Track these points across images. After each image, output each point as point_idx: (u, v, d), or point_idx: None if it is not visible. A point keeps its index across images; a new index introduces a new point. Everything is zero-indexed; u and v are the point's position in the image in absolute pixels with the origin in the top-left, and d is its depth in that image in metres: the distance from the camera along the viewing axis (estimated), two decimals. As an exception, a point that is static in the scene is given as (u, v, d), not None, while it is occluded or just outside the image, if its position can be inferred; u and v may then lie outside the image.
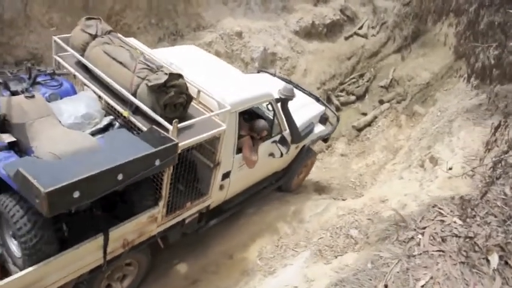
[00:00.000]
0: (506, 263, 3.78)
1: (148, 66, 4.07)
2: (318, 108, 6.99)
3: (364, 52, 13.15)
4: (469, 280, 3.66)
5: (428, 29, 12.73)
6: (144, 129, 3.95)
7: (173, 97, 3.93)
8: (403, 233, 4.43)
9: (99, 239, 3.61)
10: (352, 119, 11.29)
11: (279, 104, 5.60)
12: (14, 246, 3.47)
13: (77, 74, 4.57)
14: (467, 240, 4.02)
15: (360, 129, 10.93)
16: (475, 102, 8.08)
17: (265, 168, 6.06)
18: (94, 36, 4.52)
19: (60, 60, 4.80)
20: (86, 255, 3.62)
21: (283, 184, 6.76)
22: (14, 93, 3.85)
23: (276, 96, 5.59)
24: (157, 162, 3.44)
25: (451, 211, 4.49)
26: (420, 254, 4.00)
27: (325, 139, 7.42)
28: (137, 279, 4.78)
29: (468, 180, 5.22)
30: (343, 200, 7.35)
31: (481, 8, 7.37)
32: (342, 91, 12.30)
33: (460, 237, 4.10)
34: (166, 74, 3.93)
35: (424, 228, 4.34)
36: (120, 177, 3.18)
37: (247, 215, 6.25)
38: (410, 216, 4.75)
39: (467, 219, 4.28)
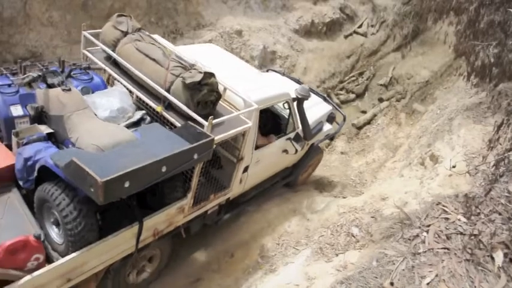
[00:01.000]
0: (511, 260, 3.78)
1: (181, 64, 4.24)
2: (326, 108, 7.17)
3: (363, 50, 13.16)
4: (474, 277, 3.65)
5: (428, 28, 12.73)
6: (178, 124, 4.16)
7: (206, 95, 4.11)
8: (407, 230, 4.43)
9: (134, 228, 3.77)
10: (352, 117, 11.28)
11: (295, 103, 5.79)
12: (54, 233, 3.57)
13: (107, 69, 4.72)
14: (472, 237, 4.02)
15: (359, 127, 10.93)
16: (475, 101, 8.09)
17: (278, 164, 6.34)
18: (125, 33, 4.65)
19: (89, 54, 4.95)
20: (121, 243, 3.78)
21: (292, 179, 6.97)
22: (50, 86, 3.97)
23: (293, 95, 5.78)
24: (195, 156, 3.61)
25: (456, 209, 4.49)
26: (425, 251, 4.00)
27: (331, 138, 7.65)
28: (160, 266, 4.95)
29: (469, 178, 5.23)
30: (344, 197, 7.36)
31: (481, 7, 7.38)
32: (341, 89, 12.31)
33: (464, 234, 4.10)
34: (200, 72, 4.09)
35: (429, 225, 4.34)
36: (163, 169, 3.33)
37: (248, 213, 6.24)
38: (414, 214, 4.75)
39: (472, 217, 4.28)
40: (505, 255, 3.81)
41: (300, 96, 5.82)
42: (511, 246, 3.86)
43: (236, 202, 5.78)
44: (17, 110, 3.93)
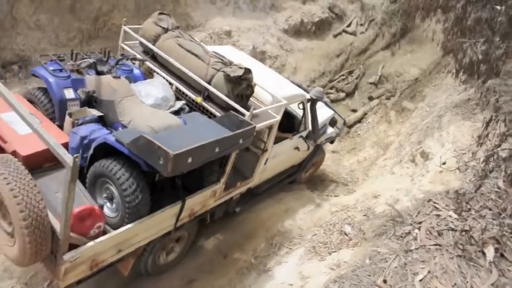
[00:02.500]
0: (502, 255, 3.81)
1: (221, 60, 4.73)
2: (329, 112, 7.58)
3: (352, 49, 13.21)
4: (466, 273, 3.68)
5: (416, 26, 12.83)
6: (217, 114, 4.59)
7: (244, 89, 4.59)
8: (399, 228, 4.46)
9: (177, 206, 4.06)
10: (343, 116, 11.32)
11: (308, 104, 6.14)
12: (106, 208, 3.79)
13: (147, 61, 5.09)
14: (463, 233, 4.05)
15: (350, 126, 10.98)
16: (463, 97, 8.16)
17: (289, 160, 6.71)
18: (166, 30, 5.05)
19: (128, 48, 5.33)
20: (164, 220, 4.07)
21: (297, 176, 7.28)
22: (99, 73, 4.32)
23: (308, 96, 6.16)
24: (240, 141, 4.03)
25: (446, 205, 4.53)
26: (417, 248, 4.03)
27: (331, 140, 7.94)
28: (186, 248, 5.24)
29: (459, 174, 5.27)
30: (336, 196, 7.40)
31: (468, 4, 7.43)
32: (331, 88, 12.35)
33: (456, 230, 4.13)
34: (241, 68, 4.55)
35: (420, 222, 4.37)
36: (217, 150, 3.72)
37: (241, 214, 6.22)
38: (406, 211, 4.78)
39: (463, 213, 4.31)
40: (496, 250, 3.85)
41: (314, 97, 6.13)
42: (502, 241, 3.90)
43: (252, 193, 6.07)
44: (69, 93, 4.24)
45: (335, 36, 13.23)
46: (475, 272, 3.69)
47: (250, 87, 4.71)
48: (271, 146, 5.40)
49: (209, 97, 4.71)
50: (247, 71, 4.58)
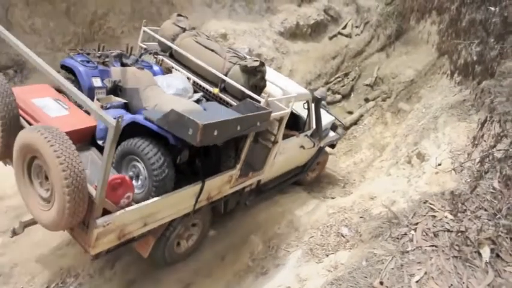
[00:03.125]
0: (498, 255, 3.82)
1: (237, 54, 5.17)
2: (329, 117, 7.85)
3: (348, 51, 13.24)
4: (462, 274, 3.69)
5: (411, 27, 12.85)
6: (233, 103, 4.98)
7: (258, 80, 4.97)
8: (395, 229, 4.46)
9: (197, 186, 4.32)
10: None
11: (313, 104, 6.47)
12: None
13: (165, 58, 5.55)
14: (459, 234, 4.06)
15: (346, 128, 11.00)
16: (459, 98, 8.19)
17: (295, 159, 6.94)
18: (184, 29, 5.48)
19: (146, 47, 5.83)
20: (186, 199, 4.34)
21: (300, 177, 7.55)
22: (124, 65, 4.81)
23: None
24: (258, 123, 4.42)
25: (442, 206, 4.54)
26: (413, 249, 4.03)
27: (332, 145, 8.27)
28: (201, 237, 5.44)
29: (455, 175, 5.29)
30: (333, 198, 7.40)
31: (463, 6, 7.47)
32: (327, 90, 12.36)
33: (451, 231, 4.14)
34: (256, 61, 4.95)
35: (416, 224, 4.37)
36: (238, 127, 4.10)
37: (237, 217, 6.23)
38: (402, 213, 4.79)
39: (458, 214, 4.32)
40: (492, 250, 3.85)
41: (318, 97, 6.47)
42: (497, 241, 3.90)
43: (260, 190, 6.29)
44: (97, 82, 4.65)
45: (330, 38, 13.26)
46: (471, 273, 3.70)
47: (264, 80, 5.10)
48: (281, 138, 5.62)
49: (225, 89, 5.10)
50: (262, 64, 5.00)
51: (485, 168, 4.64)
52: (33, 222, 4.26)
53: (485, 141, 4.76)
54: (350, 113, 11.70)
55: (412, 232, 4.27)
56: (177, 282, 5.17)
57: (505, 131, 4.58)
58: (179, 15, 5.74)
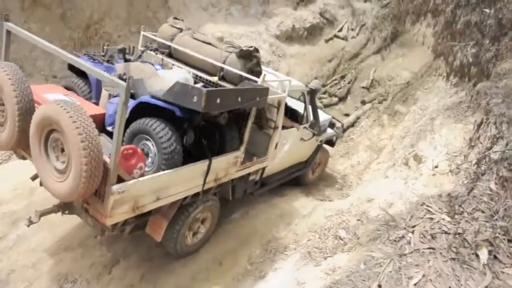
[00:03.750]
0: (496, 257, 3.82)
1: (232, 45, 5.49)
2: (327, 115, 8.16)
3: (344, 54, 13.28)
4: (460, 276, 3.69)
5: (406, 30, 12.92)
6: None
7: (254, 65, 5.25)
8: (393, 232, 4.46)
9: (205, 164, 4.57)
10: (336, 121, 11.36)
11: (308, 96, 6.76)
12: None
13: (165, 58, 5.90)
14: (457, 236, 4.05)
15: (343, 130, 11.00)
16: (455, 100, 8.22)
17: (296, 153, 7.17)
18: (181, 30, 5.84)
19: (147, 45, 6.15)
20: (194, 176, 4.57)
21: (302, 178, 7.80)
22: (127, 60, 5.26)
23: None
24: (257, 98, 4.64)
25: (439, 208, 4.54)
26: (411, 252, 4.03)
27: (332, 144, 8.50)
28: (210, 230, 5.68)
29: (452, 177, 5.30)
30: (330, 201, 7.40)
31: (458, 8, 7.50)
32: (324, 93, 12.40)
33: (449, 233, 4.13)
34: (251, 47, 5.26)
35: (414, 226, 4.37)
36: (239, 99, 4.34)
37: (235, 220, 6.23)
38: (399, 215, 4.79)
39: (456, 216, 4.32)
40: (490, 252, 3.85)
41: (313, 88, 6.75)
42: (495, 243, 3.91)
43: (265, 183, 6.56)
44: None
45: (327, 41, 13.31)
46: (469, 275, 3.70)
47: (259, 66, 5.36)
48: (281, 124, 5.87)
49: (223, 77, 5.38)
50: (256, 49, 5.30)
51: (482, 169, 4.65)
52: (48, 212, 4.37)
53: (481, 142, 4.77)
54: (347, 115, 11.72)
55: (410, 235, 4.27)
56: (175, 287, 5.16)
57: (501, 133, 4.60)
58: (175, 18, 6.09)
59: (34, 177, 4.89)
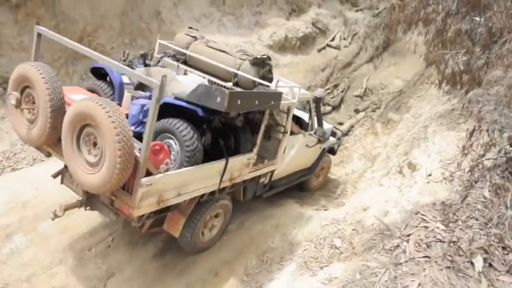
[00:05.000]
0: (491, 265, 3.82)
1: (246, 53, 5.75)
2: (328, 125, 8.46)
3: (337, 63, 13.35)
4: (456, 284, 3.69)
5: (398, 39, 13.04)
6: None
7: (267, 71, 5.46)
8: (388, 241, 4.46)
9: (222, 163, 4.79)
10: (329, 130, 11.39)
11: (313, 104, 7.09)
12: None
13: (181, 65, 6.15)
14: (451, 244, 4.06)
15: (344, 134, 11.06)
16: (447, 107, 8.29)
17: (302, 158, 7.38)
18: (195, 38, 6.09)
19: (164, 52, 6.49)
20: (212, 175, 4.80)
21: (305, 184, 8.09)
22: (146, 66, 5.56)
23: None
24: (272, 102, 4.97)
25: (434, 217, 4.55)
26: (407, 261, 4.02)
27: (333, 152, 8.75)
28: (223, 226, 5.91)
29: (446, 185, 5.32)
30: (326, 210, 7.39)
31: (448, 17, 7.60)
32: (318, 100, 12.42)
33: (444, 242, 4.14)
34: (264, 55, 5.54)
35: (409, 235, 4.38)
36: (256, 102, 4.62)
37: (231, 231, 6.20)
38: (394, 224, 4.80)
39: (450, 224, 4.33)
40: (485, 260, 3.86)
41: (318, 97, 7.10)
42: (490, 251, 3.92)
43: (273, 186, 6.79)
44: (126, 79, 5.26)
45: (319, 50, 13.38)
46: (464, 283, 3.70)
47: (271, 73, 5.56)
48: (289, 129, 6.14)
49: (237, 83, 5.56)
50: (269, 57, 5.56)
51: (475, 177, 4.69)
52: (72, 206, 4.64)
53: (474, 150, 4.80)
54: (340, 124, 11.74)
55: (405, 243, 4.27)
56: (171, 299, 5.13)
57: (494, 140, 4.64)
58: (190, 27, 6.45)
59: (55, 175, 5.06)
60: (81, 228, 5.67)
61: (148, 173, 3.89)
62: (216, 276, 5.49)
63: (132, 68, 5.39)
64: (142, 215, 4.22)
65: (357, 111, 12.20)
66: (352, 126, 11.51)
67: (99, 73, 5.53)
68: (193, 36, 6.14)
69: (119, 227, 5.76)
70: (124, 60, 5.65)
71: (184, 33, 6.25)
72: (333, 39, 13.75)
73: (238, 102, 4.28)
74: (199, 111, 4.41)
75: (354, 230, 5.48)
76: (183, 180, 4.38)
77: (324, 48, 13.43)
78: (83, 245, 5.45)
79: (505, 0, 6.79)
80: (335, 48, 13.60)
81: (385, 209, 5.74)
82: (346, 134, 11.15)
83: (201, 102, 4.34)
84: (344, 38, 13.95)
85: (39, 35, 4.61)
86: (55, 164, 6.65)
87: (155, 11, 10.13)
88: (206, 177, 4.73)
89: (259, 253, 5.83)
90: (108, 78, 5.44)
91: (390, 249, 4.31)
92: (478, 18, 7.18)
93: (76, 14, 8.43)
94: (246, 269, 5.58)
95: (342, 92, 12.77)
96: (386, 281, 3.86)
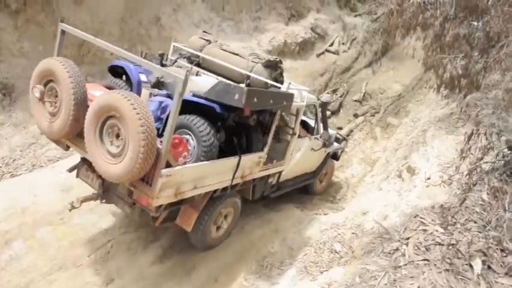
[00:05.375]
0: (489, 267, 3.83)
1: (258, 56, 5.85)
2: (332, 131, 8.51)
3: (336, 68, 13.38)
4: (455, 287, 3.69)
5: (396, 43, 13.09)
6: None
7: (278, 74, 5.58)
8: (387, 244, 4.47)
9: (235, 160, 4.94)
10: (329, 134, 11.40)
11: (319, 109, 7.26)
12: None
13: (194, 67, 6.25)
14: (450, 247, 4.07)
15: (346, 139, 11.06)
16: (446, 111, 8.30)
17: (307, 161, 7.52)
18: (209, 42, 6.25)
19: (180, 60, 6.60)
20: (225, 171, 4.93)
21: (309, 187, 8.20)
22: (163, 65, 5.78)
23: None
24: (284, 102, 5.15)
25: (433, 220, 4.56)
26: (406, 264, 4.03)
27: (337, 158, 8.94)
28: (232, 225, 6.03)
29: (445, 188, 5.33)
30: (325, 214, 7.38)
31: (446, 21, 7.63)
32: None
33: (443, 245, 4.15)
34: (276, 58, 5.64)
35: (408, 238, 4.39)
36: (271, 101, 4.83)
37: (230, 236, 6.18)
38: (393, 228, 4.80)
39: (449, 227, 4.34)
40: (483, 262, 3.87)
41: (324, 101, 7.30)
42: (488, 253, 3.92)
43: (279, 187, 6.91)
44: (143, 77, 5.40)
45: (318, 55, 13.42)
46: (463, 286, 3.70)
47: (282, 76, 5.69)
48: (298, 131, 6.33)
49: (249, 85, 5.58)
50: (281, 61, 5.69)
51: (474, 180, 4.70)
52: (89, 199, 4.80)
53: (472, 153, 4.82)
54: (340, 128, 11.74)
55: (404, 247, 4.28)
56: (170, 305, 5.12)
57: (492, 143, 4.66)
58: (204, 31, 6.68)
59: (71, 169, 5.21)
60: (80, 234, 5.65)
61: (168, 165, 4.03)
62: (215, 281, 5.47)
63: None
64: (160, 206, 4.35)
65: (356, 115, 12.21)
66: (351, 131, 11.52)
67: (116, 72, 5.69)
68: (207, 40, 6.31)
69: (118, 234, 5.76)
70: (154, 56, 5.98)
71: (199, 37, 6.43)
72: (331, 44, 13.79)
73: (255, 99, 4.46)
74: (217, 108, 4.56)
75: (353, 234, 5.48)
76: (199, 174, 4.53)
77: (322, 53, 13.47)
78: (82, 251, 5.44)
79: (502, 4, 6.82)
80: (334, 53, 13.64)
81: (384, 213, 5.74)
82: (345, 138, 11.18)
83: (219, 98, 4.51)
84: (343, 43, 14.00)
85: (62, 32, 4.82)
86: (54, 170, 6.73)
87: (155, 16, 10.17)
88: (220, 172, 4.88)
89: (259, 258, 5.82)
90: (123, 77, 5.58)
91: (389, 253, 4.31)
92: (475, 23, 7.20)
93: (76, 20, 8.45)
94: (246, 274, 5.55)
95: (341, 96, 12.80)
96: (385, 284, 3.87)
